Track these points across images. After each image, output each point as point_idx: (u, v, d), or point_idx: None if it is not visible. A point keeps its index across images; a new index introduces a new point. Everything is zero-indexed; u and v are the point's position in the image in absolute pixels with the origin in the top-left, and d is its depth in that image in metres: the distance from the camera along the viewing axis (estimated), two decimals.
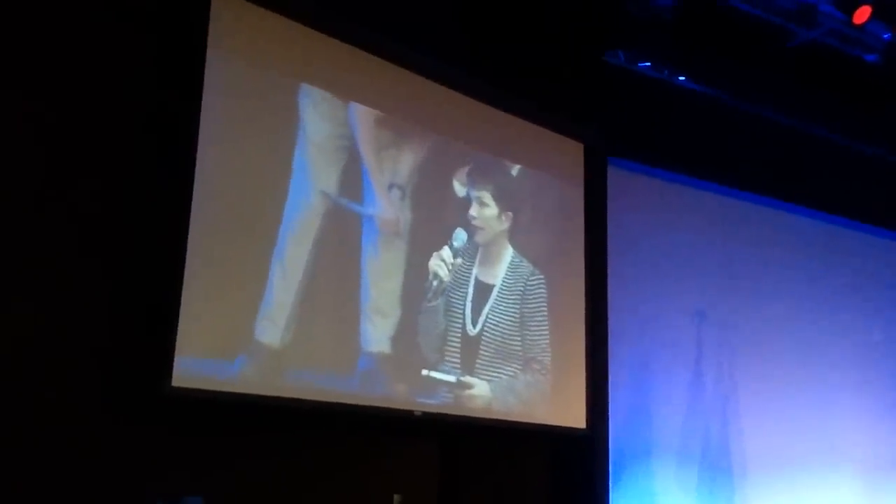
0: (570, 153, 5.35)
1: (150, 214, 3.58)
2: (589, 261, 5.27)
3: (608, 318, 5.34)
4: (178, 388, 3.46)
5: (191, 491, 3.50)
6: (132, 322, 3.49)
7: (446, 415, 4.43)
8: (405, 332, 4.27)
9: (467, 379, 4.49)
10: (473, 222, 4.69)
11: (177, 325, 3.46)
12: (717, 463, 5.89)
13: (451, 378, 4.41)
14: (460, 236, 4.57)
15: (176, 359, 3.45)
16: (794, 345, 6.47)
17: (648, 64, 5.63)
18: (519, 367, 4.76)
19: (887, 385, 6.16)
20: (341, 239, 4.12)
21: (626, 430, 5.40)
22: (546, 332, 4.93)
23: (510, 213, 4.86)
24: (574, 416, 5.00)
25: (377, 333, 4.16)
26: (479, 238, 4.70)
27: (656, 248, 5.88)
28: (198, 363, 3.53)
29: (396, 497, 4.20)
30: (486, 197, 4.77)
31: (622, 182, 5.69)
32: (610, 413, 5.22)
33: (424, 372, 4.31)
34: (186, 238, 3.54)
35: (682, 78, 5.77)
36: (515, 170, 5.00)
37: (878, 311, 6.84)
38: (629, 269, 5.60)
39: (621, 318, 5.46)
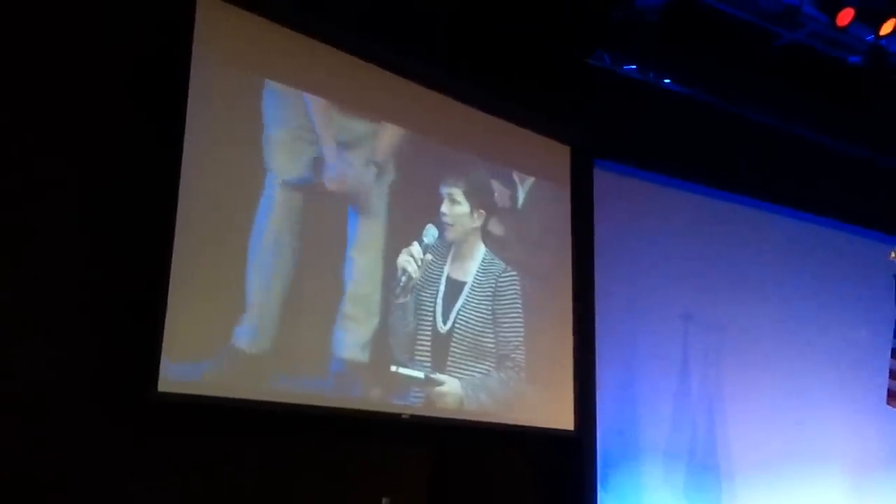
0: (557, 155, 5.37)
1: (134, 218, 3.58)
2: (576, 262, 5.28)
3: (595, 320, 5.36)
4: (166, 394, 3.46)
5: (179, 496, 3.49)
6: (117, 329, 3.48)
7: (434, 417, 4.44)
8: (380, 332, 4.27)
9: (437, 376, 4.48)
10: (444, 219, 4.68)
11: (163, 332, 3.46)
12: (704, 463, 5.91)
13: (420, 375, 4.39)
14: (431, 232, 4.57)
15: (161, 364, 3.45)
16: (780, 345, 6.50)
17: (634, 66, 5.65)
18: (492, 364, 4.75)
19: (872, 384, 6.20)
20: (320, 240, 4.13)
21: (614, 432, 5.42)
22: (520, 330, 4.92)
23: (482, 211, 4.86)
24: (562, 417, 5.00)
25: (354, 335, 4.15)
26: (450, 235, 4.69)
27: (643, 249, 5.90)
28: (179, 368, 3.52)
29: (385, 500, 4.20)
30: (458, 194, 4.76)
31: (608, 184, 5.71)
32: (597, 414, 5.24)
33: (393, 368, 4.29)
34: (172, 244, 3.54)
35: (667, 80, 5.80)
36: (496, 170, 5.01)
37: (863, 310, 6.88)
38: (615, 271, 5.62)
39: (608, 320, 5.48)
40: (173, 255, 3.54)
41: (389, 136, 4.51)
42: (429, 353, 4.47)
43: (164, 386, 3.45)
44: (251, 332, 3.79)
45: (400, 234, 4.45)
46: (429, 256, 4.53)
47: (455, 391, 4.53)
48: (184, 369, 3.53)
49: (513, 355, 4.85)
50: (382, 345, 4.28)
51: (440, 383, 4.48)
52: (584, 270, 5.34)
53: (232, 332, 3.73)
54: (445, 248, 4.68)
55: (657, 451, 5.70)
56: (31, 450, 3.24)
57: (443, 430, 4.52)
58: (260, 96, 4.01)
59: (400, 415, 4.27)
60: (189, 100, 3.70)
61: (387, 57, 4.49)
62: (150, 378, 3.42)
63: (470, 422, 4.59)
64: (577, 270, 5.28)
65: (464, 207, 4.78)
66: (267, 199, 3.94)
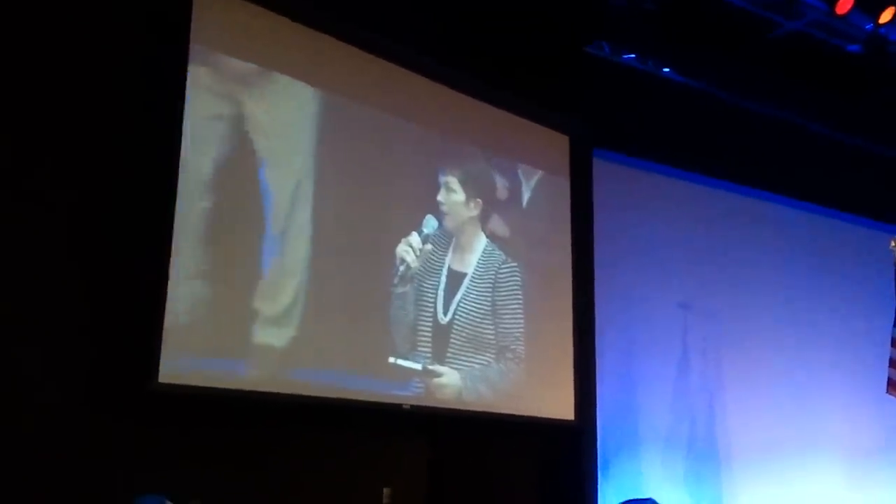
0: (556, 145, 5.36)
1: (134, 211, 3.57)
2: (575, 252, 5.28)
3: (595, 310, 5.36)
4: (167, 385, 3.45)
5: (181, 487, 3.48)
6: (118, 322, 3.47)
7: (435, 408, 4.44)
8: (380, 323, 4.26)
9: (436, 368, 4.47)
10: (441, 208, 4.67)
11: (163, 324, 3.45)
12: (703, 451, 5.93)
13: (418, 366, 4.38)
14: (430, 223, 4.55)
15: (162, 355, 3.44)
16: (779, 334, 6.51)
17: (633, 55, 5.64)
18: (492, 356, 4.75)
19: (870, 373, 6.20)
20: (325, 233, 4.13)
21: (614, 421, 5.43)
22: (520, 321, 4.92)
23: (479, 200, 4.84)
24: (562, 408, 5.01)
25: (352, 326, 4.14)
26: (448, 224, 4.68)
27: (642, 238, 5.90)
28: (182, 359, 3.52)
29: (386, 490, 4.20)
30: (454, 183, 4.74)
31: (607, 173, 5.70)
32: (597, 404, 5.25)
33: (391, 360, 4.28)
34: (171, 236, 3.53)
35: (666, 69, 5.78)
36: (493, 159, 5.00)
37: (862, 300, 6.89)
38: (615, 261, 5.62)
39: (607, 310, 5.48)
40: (171, 251, 3.52)
41: (386, 125, 4.49)
42: (429, 345, 4.47)
43: (164, 377, 3.44)
44: (251, 326, 3.78)
45: (398, 224, 4.44)
46: (428, 247, 4.53)
47: (454, 382, 4.53)
48: (184, 361, 3.52)
49: (512, 346, 4.85)
50: (382, 335, 4.27)
51: (439, 374, 4.47)
52: (584, 260, 5.34)
53: (233, 325, 3.73)
54: (447, 240, 4.67)
55: (657, 440, 5.71)
56: (33, 442, 3.24)
57: (444, 421, 4.53)
58: (256, 89, 3.99)
59: (401, 405, 4.27)
60: (187, 90, 3.68)
61: (384, 46, 4.47)
62: (151, 369, 3.42)
63: (472, 412, 4.59)
64: (576, 260, 5.28)
65: (459, 196, 4.77)
66: (265, 191, 3.92)
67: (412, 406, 4.31)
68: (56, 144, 3.45)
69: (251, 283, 3.82)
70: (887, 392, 5.66)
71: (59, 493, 3.26)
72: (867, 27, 5.57)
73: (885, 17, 5.41)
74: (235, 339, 3.73)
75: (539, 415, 4.91)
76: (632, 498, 5.18)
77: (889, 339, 5.73)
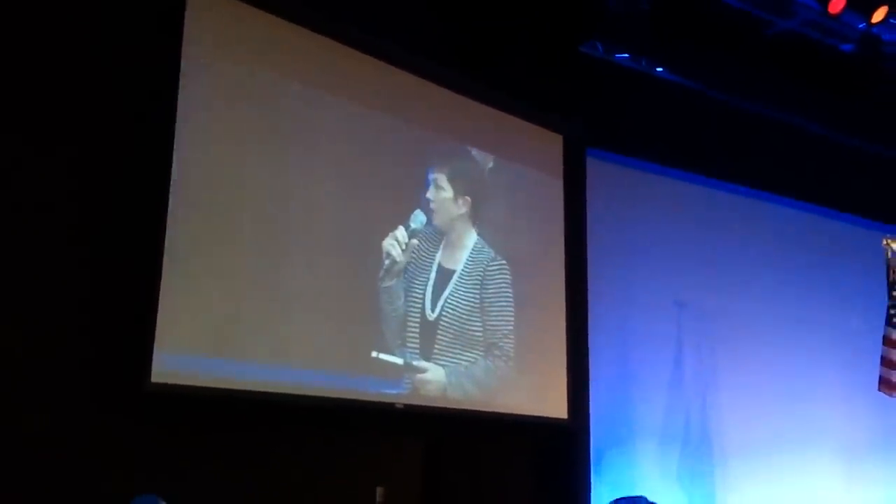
0: (549, 144, 5.37)
1: (128, 212, 3.59)
2: (569, 251, 5.30)
3: (588, 308, 5.38)
4: (160, 385, 3.47)
5: (176, 486, 3.51)
6: (112, 318, 3.49)
7: (428, 406, 4.46)
8: (368, 318, 4.28)
9: (421, 364, 4.48)
10: (430, 205, 4.69)
11: (155, 321, 3.47)
12: (697, 449, 5.95)
13: (400, 361, 4.38)
14: (418, 218, 4.57)
15: (155, 355, 3.46)
16: (773, 332, 6.53)
17: (626, 55, 5.65)
18: (480, 353, 4.76)
19: (864, 371, 6.22)
20: (313, 231, 4.15)
21: (607, 419, 5.45)
22: (509, 319, 4.93)
23: (468, 198, 4.85)
24: (555, 405, 5.03)
25: (345, 324, 4.16)
26: (437, 221, 4.70)
27: (635, 237, 5.92)
28: (175, 359, 3.54)
29: (379, 490, 4.22)
30: (442, 180, 4.76)
31: (601, 173, 5.71)
32: (591, 402, 5.26)
33: (374, 354, 4.28)
34: (164, 235, 3.55)
35: (659, 69, 5.79)
36: (486, 158, 5.01)
37: (856, 298, 6.90)
38: (609, 259, 5.64)
39: (601, 307, 5.50)
40: (165, 251, 3.54)
41: (376, 123, 4.50)
42: (417, 340, 4.48)
43: (157, 377, 3.46)
44: (245, 324, 3.80)
45: (385, 220, 4.45)
46: (415, 241, 4.54)
47: (439, 379, 4.54)
48: (178, 360, 3.55)
49: (500, 344, 4.87)
50: (370, 330, 4.28)
51: (423, 371, 4.48)
52: (577, 259, 5.35)
53: (227, 324, 3.75)
54: (438, 237, 4.69)
55: (651, 437, 5.73)
56: (32, 439, 3.26)
57: (437, 419, 4.54)
58: (250, 87, 4.00)
59: (394, 404, 4.29)
60: (180, 90, 3.70)
61: (377, 45, 4.49)
62: (144, 369, 3.44)
63: (464, 410, 4.61)
64: (569, 259, 5.29)
65: (447, 193, 4.78)
66: (254, 188, 3.94)
67: (405, 405, 4.33)
68: (53, 145, 3.46)
69: (242, 282, 3.83)
70: (878, 389, 5.68)
71: (58, 492, 3.28)
72: (860, 26, 5.59)
73: (878, 16, 5.43)
74: (227, 339, 3.75)
75: (532, 413, 4.93)
76: (624, 496, 5.20)
77: (881, 337, 5.74)
